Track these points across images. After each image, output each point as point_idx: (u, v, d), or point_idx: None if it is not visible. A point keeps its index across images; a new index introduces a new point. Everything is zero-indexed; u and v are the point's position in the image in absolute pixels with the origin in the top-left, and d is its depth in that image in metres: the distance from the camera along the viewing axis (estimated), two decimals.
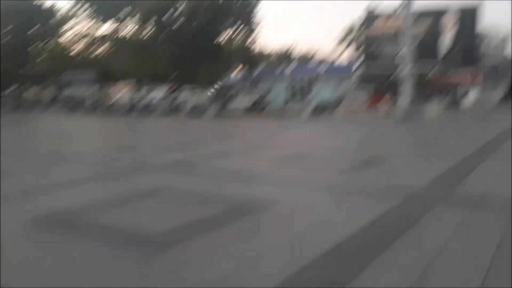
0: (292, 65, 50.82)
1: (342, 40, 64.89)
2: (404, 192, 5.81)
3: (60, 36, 34.02)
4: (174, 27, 25.97)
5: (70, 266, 3.40)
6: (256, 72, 49.61)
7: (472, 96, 40.35)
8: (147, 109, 28.19)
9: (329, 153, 10.01)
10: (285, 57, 62.69)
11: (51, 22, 32.79)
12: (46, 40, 33.48)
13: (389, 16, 43.38)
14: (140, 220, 4.61)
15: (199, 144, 11.98)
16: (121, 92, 36.11)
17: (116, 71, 34.03)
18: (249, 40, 28.44)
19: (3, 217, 4.59)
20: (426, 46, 38.90)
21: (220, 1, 24.30)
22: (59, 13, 32.89)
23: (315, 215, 4.88)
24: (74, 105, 31.54)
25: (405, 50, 22.31)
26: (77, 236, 4.10)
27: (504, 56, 46.19)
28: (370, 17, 44.84)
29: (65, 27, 33.10)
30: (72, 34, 32.69)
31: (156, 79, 36.85)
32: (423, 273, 3.18)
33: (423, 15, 35.11)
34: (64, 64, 33.22)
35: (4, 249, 3.68)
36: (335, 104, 30.35)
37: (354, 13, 79.22)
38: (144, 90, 41.44)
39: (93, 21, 29.07)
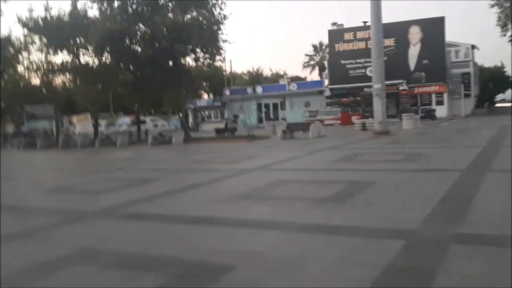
0: (262, 85, 49.89)
1: (310, 58, 64.64)
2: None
3: (14, 68, 32.04)
4: (132, 53, 24.37)
5: None
6: (225, 94, 48.44)
7: (443, 107, 40.08)
8: (109, 140, 26.34)
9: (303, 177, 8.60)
10: (255, 77, 61.84)
11: (6, 54, 30.83)
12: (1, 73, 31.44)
13: (355, 31, 43.08)
14: None
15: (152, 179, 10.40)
16: (82, 124, 34.19)
17: (75, 102, 32.19)
18: (215, 62, 27.05)
19: None
20: (395, 59, 38.59)
21: (181, 23, 22.87)
22: (13, 44, 30.99)
23: None
24: (33, 140, 29.42)
25: (375, 64, 21.42)
26: None
27: (472, 64, 46.41)
28: (337, 34, 44.45)
29: (20, 58, 31.19)
30: (26, 66, 30.76)
31: (119, 109, 35.22)
32: None
33: (389, 28, 34.74)
34: (21, 97, 31.28)
35: None
36: (308, 121, 29.26)
37: (322, 31, 79.61)
38: (107, 121, 39.66)
39: (46, 52, 27.30)
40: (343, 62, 43.43)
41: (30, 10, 27.13)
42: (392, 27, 37.59)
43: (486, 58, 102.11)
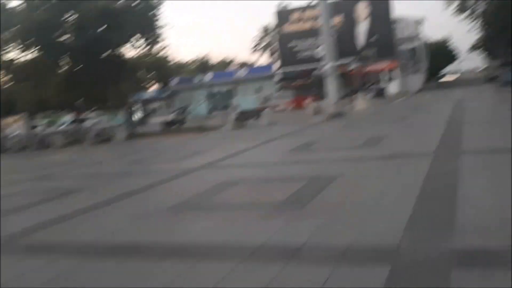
0: (211, 73, 48.12)
1: (259, 42, 63.37)
2: None
3: None
4: (62, 45, 22.02)
5: None
6: (172, 85, 46.22)
7: (394, 83, 40.07)
8: (45, 142, 23.98)
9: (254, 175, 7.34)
10: (203, 65, 59.84)
11: None
12: None
13: (303, 11, 42.13)
14: None
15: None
16: (16, 126, 31.33)
17: (6, 102, 29.25)
18: (156, 50, 25.11)
19: None
20: (344, 38, 37.96)
21: (113, 8, 20.75)
22: None
23: None
24: None
25: (324, 44, 20.42)
26: None
27: (420, 39, 46.74)
28: (283, 15, 43.32)
29: None
30: None
31: (57, 107, 32.56)
32: None
33: (337, 5, 33.98)
34: None
35: None
36: (260, 108, 28.06)
37: (270, 12, 78.38)
38: (47, 120, 36.61)
39: None
40: (292, 43, 42.45)
41: None
42: (340, 4, 36.88)
43: (433, 32, 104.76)
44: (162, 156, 12.94)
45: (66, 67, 24.04)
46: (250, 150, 11.89)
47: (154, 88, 53.07)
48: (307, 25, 41.72)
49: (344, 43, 36.43)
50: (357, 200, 5.21)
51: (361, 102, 25.21)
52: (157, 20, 22.13)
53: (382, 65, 40.26)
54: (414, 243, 3.60)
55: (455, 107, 17.18)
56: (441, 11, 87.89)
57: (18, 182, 11.04)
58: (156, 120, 34.03)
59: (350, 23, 40.30)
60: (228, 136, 17.67)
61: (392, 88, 38.34)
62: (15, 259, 4.58)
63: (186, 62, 63.11)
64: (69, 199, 7.59)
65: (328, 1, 20.37)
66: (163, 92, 47.81)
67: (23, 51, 23.92)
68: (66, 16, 22.08)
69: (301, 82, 40.89)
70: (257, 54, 64.97)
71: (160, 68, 48.80)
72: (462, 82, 54.44)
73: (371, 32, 39.93)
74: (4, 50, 24.67)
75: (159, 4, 22.04)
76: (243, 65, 55.34)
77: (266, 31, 62.54)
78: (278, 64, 44.79)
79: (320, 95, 32.71)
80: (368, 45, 40.19)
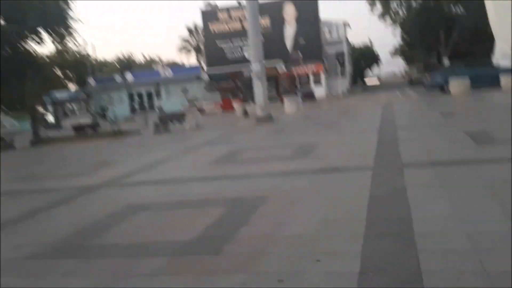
0: (134, 73, 45.40)
1: (186, 42, 61.35)
2: None
3: None
4: None
5: None
6: (90, 84, 42.89)
7: (321, 87, 40.13)
8: None
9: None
10: (125, 64, 56.66)
11: None
12: None
13: (230, 11, 41.01)
14: None
15: None
16: None
17: None
18: (73, 48, 22.63)
19: None
20: (272, 40, 37.31)
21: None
22: None
23: None
24: None
25: (252, 45, 19.34)
26: None
27: (346, 42, 47.49)
28: (210, 14, 41.93)
29: None
30: None
31: None
32: None
33: (264, 7, 33.20)
34: None
35: None
36: (185, 110, 26.40)
37: (197, 12, 76.52)
38: None
39: None
40: (219, 44, 41.16)
41: None
42: (267, 6, 36.23)
43: (357, 35, 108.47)
44: (63, 169, 11.01)
45: None
46: (168, 161, 10.38)
47: (70, 88, 49.29)
48: (234, 26, 40.67)
49: (272, 45, 35.77)
50: (291, 234, 4.01)
51: (290, 105, 24.46)
52: (65, 13, 19.72)
53: (309, 68, 40.20)
54: None
55: (384, 110, 16.81)
56: (364, 16, 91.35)
57: None
58: (72, 123, 31.12)
59: (278, 25, 39.81)
60: (146, 142, 15.94)
61: (319, 91, 38.29)
62: None
63: (108, 61, 59.56)
64: None
65: (255, 1, 19.25)
66: (79, 92, 44.22)
67: None
68: None
69: (228, 83, 39.71)
70: (184, 55, 62.72)
71: (77, 66, 45.29)
72: (386, 85, 56.48)
73: (298, 35, 39.72)
74: None
75: None
76: (169, 65, 53.10)
77: (191, 31, 60.69)
78: (204, 64, 43.30)
79: (248, 97, 31.72)
80: (296, 47, 39.94)
